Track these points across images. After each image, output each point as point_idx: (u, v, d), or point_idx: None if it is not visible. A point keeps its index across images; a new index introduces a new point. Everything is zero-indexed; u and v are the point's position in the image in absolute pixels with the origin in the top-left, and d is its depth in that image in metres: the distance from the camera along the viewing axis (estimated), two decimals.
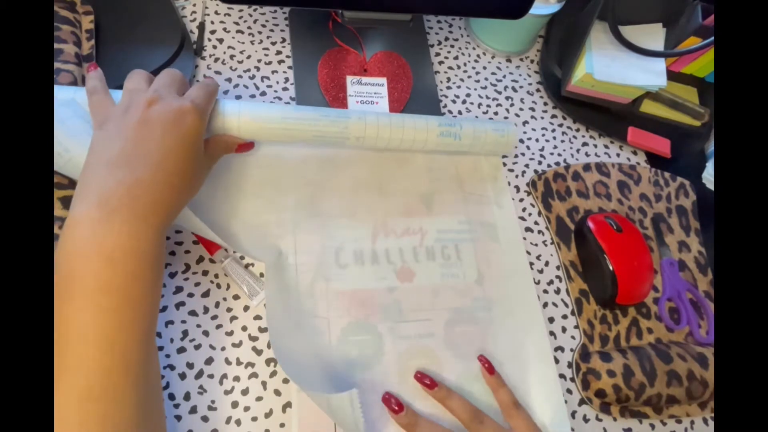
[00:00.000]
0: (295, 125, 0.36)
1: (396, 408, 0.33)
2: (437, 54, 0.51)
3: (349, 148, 0.42)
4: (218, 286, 0.36)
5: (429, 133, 0.40)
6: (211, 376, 0.34)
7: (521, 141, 0.49)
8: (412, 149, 0.41)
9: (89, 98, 0.31)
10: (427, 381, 0.34)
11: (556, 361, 0.39)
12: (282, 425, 0.33)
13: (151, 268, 0.26)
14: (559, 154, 0.49)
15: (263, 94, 0.45)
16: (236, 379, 0.34)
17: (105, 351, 0.23)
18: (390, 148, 0.41)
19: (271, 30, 0.48)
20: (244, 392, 0.34)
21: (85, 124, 0.32)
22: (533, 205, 0.46)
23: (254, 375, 0.34)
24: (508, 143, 0.43)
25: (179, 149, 0.28)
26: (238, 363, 0.34)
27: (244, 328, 0.35)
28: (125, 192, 0.25)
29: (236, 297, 0.36)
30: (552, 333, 0.40)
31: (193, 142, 0.29)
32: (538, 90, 0.52)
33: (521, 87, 0.52)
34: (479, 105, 0.50)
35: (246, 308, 0.36)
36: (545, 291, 0.42)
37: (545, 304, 0.41)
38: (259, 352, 0.35)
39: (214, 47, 0.46)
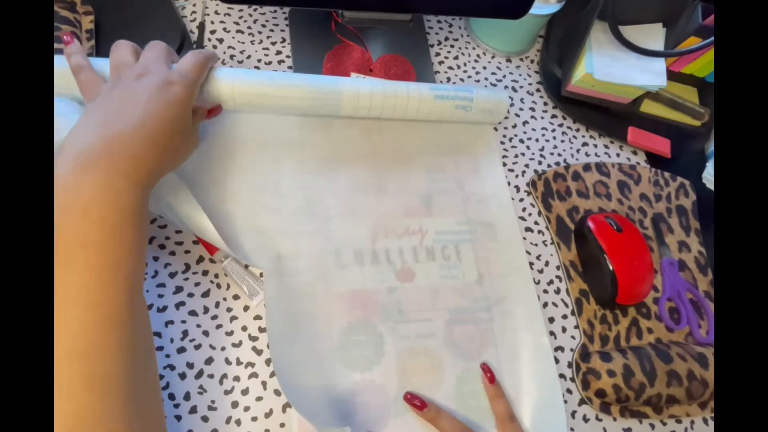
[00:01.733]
0: (289, 91, 0.37)
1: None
2: (437, 54, 0.51)
3: (344, 124, 0.43)
4: (218, 286, 0.36)
5: (422, 95, 0.41)
6: (211, 376, 0.34)
7: (521, 141, 0.49)
8: (405, 116, 0.42)
9: (76, 76, 0.31)
10: (416, 402, 0.34)
11: (556, 361, 0.39)
12: (282, 425, 0.33)
13: (132, 226, 0.25)
14: (559, 154, 0.49)
15: None
16: (236, 379, 0.34)
17: (86, 309, 0.22)
18: (384, 116, 0.41)
19: (271, 30, 0.48)
20: (244, 392, 0.34)
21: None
22: (533, 205, 0.46)
23: (254, 375, 0.34)
24: (500, 108, 0.45)
25: (164, 111, 0.28)
26: (238, 363, 0.34)
27: (244, 328, 0.35)
28: (104, 145, 0.25)
29: (236, 297, 0.36)
30: (552, 333, 0.40)
31: (179, 109, 0.29)
32: (538, 90, 0.52)
33: (521, 87, 0.52)
34: None
35: (246, 308, 0.36)
36: (545, 291, 0.42)
37: (545, 304, 0.41)
38: (259, 352, 0.35)
39: (214, 47, 0.46)
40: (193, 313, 0.35)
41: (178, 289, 0.36)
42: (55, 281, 0.22)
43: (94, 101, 0.29)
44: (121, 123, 0.26)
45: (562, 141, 0.50)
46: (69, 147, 0.25)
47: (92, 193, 0.23)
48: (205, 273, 0.37)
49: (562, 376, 0.39)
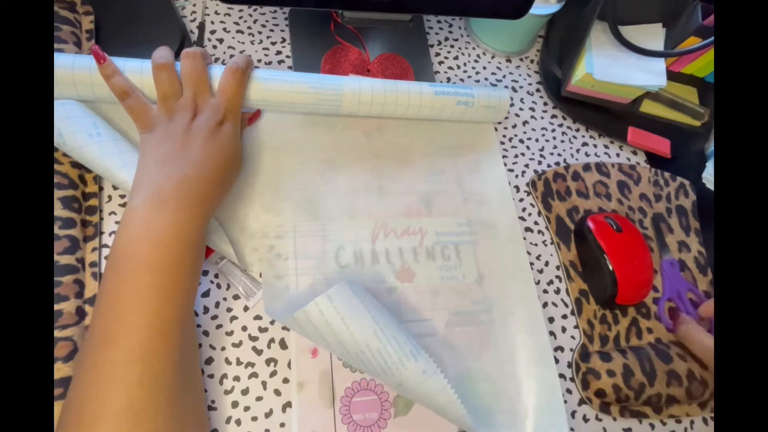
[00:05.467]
0: (290, 88, 0.38)
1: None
2: (437, 54, 0.51)
3: (346, 125, 0.43)
4: (218, 286, 0.36)
5: (422, 90, 0.41)
6: (211, 376, 0.34)
7: (521, 141, 0.49)
8: (407, 114, 0.42)
9: (122, 101, 0.33)
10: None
11: (556, 361, 0.39)
12: (282, 425, 0.33)
13: (192, 253, 0.29)
14: (559, 154, 0.49)
15: None
16: (236, 379, 0.34)
17: (147, 321, 0.26)
18: (385, 114, 0.42)
19: (271, 30, 0.48)
20: (244, 392, 0.34)
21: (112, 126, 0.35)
22: (533, 205, 0.46)
23: (254, 375, 0.34)
24: (502, 105, 0.45)
25: (219, 152, 0.32)
26: (238, 363, 0.34)
27: (244, 328, 0.35)
28: (174, 186, 0.29)
29: (236, 297, 0.36)
30: (552, 333, 0.40)
31: (232, 144, 0.34)
32: (538, 90, 0.52)
33: (521, 87, 0.52)
34: None
35: (246, 308, 0.36)
36: (545, 291, 0.42)
37: (545, 304, 0.41)
38: (259, 352, 0.35)
39: (214, 47, 0.46)
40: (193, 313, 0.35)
41: None
42: (124, 298, 0.26)
43: (152, 134, 0.32)
44: (185, 166, 0.30)
45: (562, 141, 0.50)
46: (143, 182, 0.29)
47: (162, 228, 0.28)
48: (205, 273, 0.37)
49: (561, 376, 0.39)
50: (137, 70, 0.34)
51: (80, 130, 0.33)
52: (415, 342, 0.33)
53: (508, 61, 0.53)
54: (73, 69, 0.33)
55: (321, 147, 0.42)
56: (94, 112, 0.35)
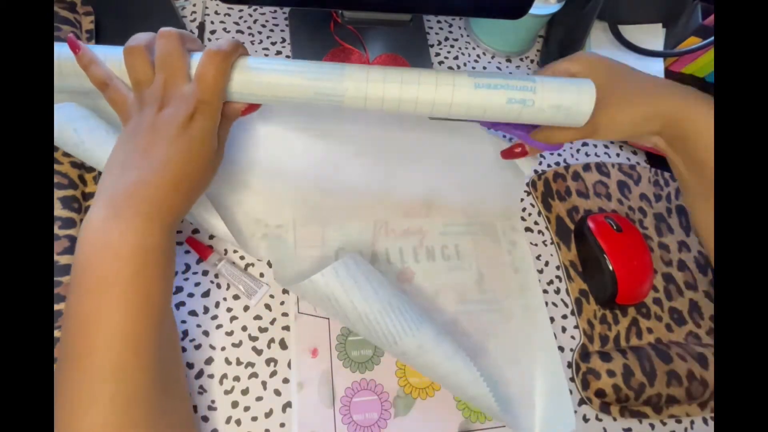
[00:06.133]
0: (281, 81, 0.30)
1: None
2: (437, 54, 0.51)
3: (360, 116, 0.39)
4: (218, 286, 0.36)
5: (456, 82, 0.30)
6: (211, 376, 0.34)
7: None
8: (433, 112, 0.31)
9: (103, 93, 0.30)
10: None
11: None
12: (282, 425, 0.33)
13: (157, 263, 0.27)
14: (559, 154, 0.49)
15: None
16: (236, 379, 0.34)
17: (115, 338, 0.25)
18: (403, 110, 0.31)
19: (271, 30, 0.48)
20: (244, 392, 0.34)
21: (100, 121, 0.34)
22: (533, 205, 0.46)
23: (254, 375, 0.34)
24: (582, 105, 0.30)
25: (186, 154, 0.28)
26: (238, 363, 0.34)
27: (244, 328, 0.35)
28: (131, 192, 0.26)
29: (236, 297, 0.36)
30: (552, 333, 0.40)
31: (202, 144, 0.29)
32: None
33: None
34: None
35: (246, 308, 0.36)
36: (545, 291, 0.42)
37: (545, 304, 0.41)
38: (259, 352, 0.35)
39: None
40: (193, 313, 0.35)
41: (178, 290, 0.36)
42: (89, 315, 0.25)
43: (126, 125, 0.29)
44: (145, 170, 0.27)
45: None
46: (102, 188, 0.27)
47: (120, 238, 0.26)
48: (205, 273, 0.37)
49: None
50: (117, 58, 0.30)
51: (60, 139, 0.32)
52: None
53: (508, 61, 0.53)
54: (59, 59, 0.30)
55: (329, 136, 0.40)
56: (93, 104, 0.34)
